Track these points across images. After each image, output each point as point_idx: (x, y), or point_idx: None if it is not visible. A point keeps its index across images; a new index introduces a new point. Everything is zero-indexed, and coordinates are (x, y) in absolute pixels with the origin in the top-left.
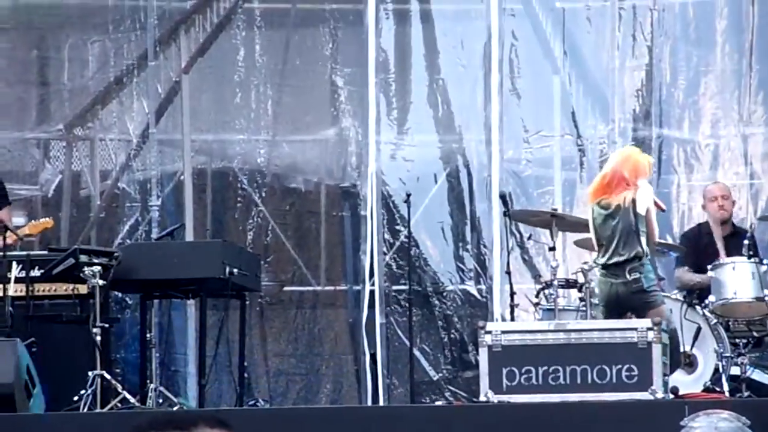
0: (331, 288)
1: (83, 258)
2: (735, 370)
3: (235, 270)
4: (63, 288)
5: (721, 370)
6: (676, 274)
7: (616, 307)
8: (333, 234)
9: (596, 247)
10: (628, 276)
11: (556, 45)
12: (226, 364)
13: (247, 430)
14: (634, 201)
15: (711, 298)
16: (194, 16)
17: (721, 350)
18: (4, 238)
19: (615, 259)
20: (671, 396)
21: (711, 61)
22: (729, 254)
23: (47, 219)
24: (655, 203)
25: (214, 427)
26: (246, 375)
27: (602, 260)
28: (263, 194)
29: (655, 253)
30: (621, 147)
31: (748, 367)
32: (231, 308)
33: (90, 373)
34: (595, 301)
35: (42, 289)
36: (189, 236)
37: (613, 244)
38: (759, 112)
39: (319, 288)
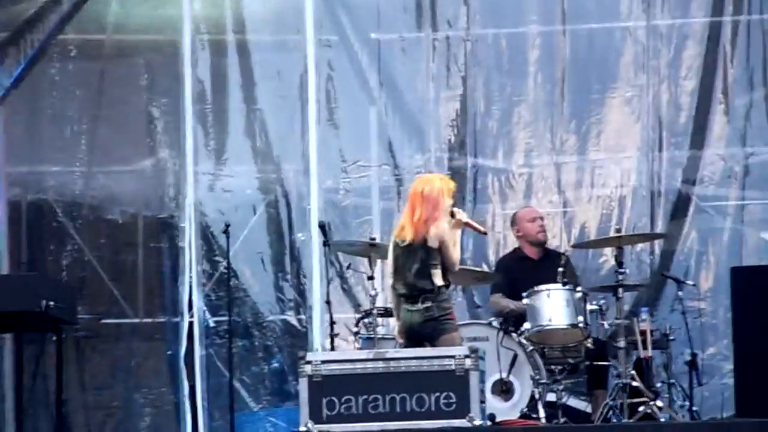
0: (150, 320)
1: None
2: (551, 397)
3: (52, 303)
4: None
5: (537, 396)
6: (491, 300)
7: (413, 335)
8: (151, 266)
9: (390, 276)
10: (420, 305)
11: (372, 76)
12: (43, 399)
13: None
14: (425, 237)
15: (526, 325)
16: (7, 48)
17: (537, 377)
18: None
19: (411, 291)
20: (488, 423)
21: (524, 91)
22: (544, 276)
23: None
24: (473, 227)
25: None
26: (63, 409)
27: (402, 290)
28: (79, 226)
29: (471, 280)
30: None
31: (563, 393)
32: (47, 341)
33: None
34: None
35: None
36: (4, 269)
37: (410, 277)
38: (571, 140)
39: (137, 320)
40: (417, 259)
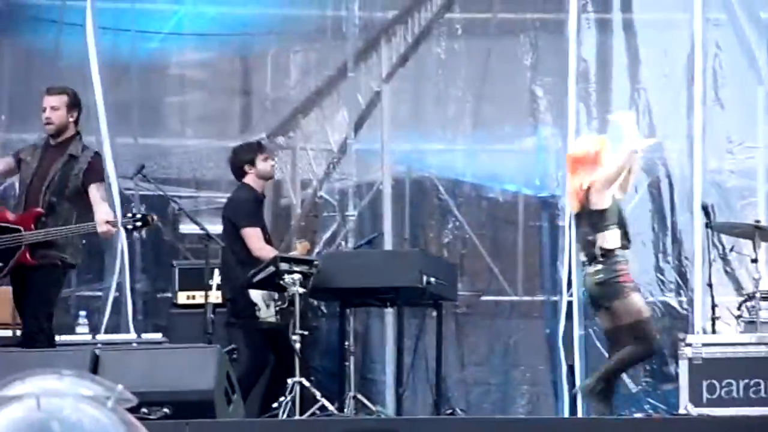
0: (528, 298)
1: (283, 266)
2: None
3: (433, 279)
4: None
5: None
6: None
7: (591, 301)
8: (530, 244)
9: None
10: (590, 268)
11: (761, 55)
12: (422, 373)
13: None
14: (582, 204)
15: None
16: (395, 26)
17: None
18: None
19: (581, 256)
20: None
21: None
22: None
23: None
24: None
25: None
26: (442, 384)
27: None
28: (460, 204)
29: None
30: None
31: None
32: (427, 317)
33: (289, 381)
34: None
35: None
36: (387, 245)
37: (578, 245)
38: None
39: (515, 298)
40: (579, 230)
